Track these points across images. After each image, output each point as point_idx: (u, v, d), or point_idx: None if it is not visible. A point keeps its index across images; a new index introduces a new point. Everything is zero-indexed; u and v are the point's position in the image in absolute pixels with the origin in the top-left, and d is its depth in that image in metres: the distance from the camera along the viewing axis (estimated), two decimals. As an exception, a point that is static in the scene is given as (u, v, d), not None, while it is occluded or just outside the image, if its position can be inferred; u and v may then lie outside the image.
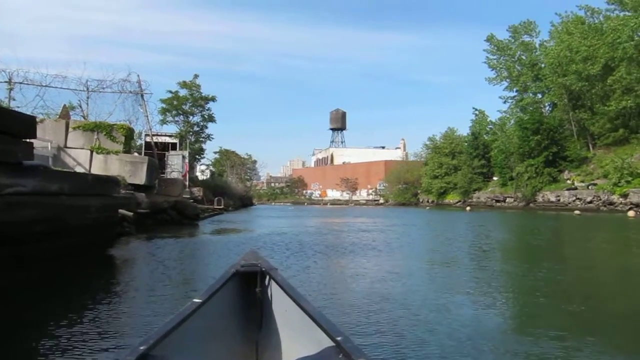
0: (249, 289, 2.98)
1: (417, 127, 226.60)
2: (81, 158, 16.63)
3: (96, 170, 16.15)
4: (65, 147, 16.64)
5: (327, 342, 2.11)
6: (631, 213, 29.57)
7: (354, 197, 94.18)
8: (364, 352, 1.97)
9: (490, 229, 20.42)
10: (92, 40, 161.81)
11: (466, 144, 64.41)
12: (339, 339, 2.04)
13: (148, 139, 24.18)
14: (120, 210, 11.58)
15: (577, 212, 33.14)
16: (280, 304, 2.81)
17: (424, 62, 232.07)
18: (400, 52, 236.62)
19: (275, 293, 2.88)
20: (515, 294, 6.46)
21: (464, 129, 71.33)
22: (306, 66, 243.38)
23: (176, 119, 43.17)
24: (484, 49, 59.14)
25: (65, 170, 11.40)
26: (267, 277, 2.96)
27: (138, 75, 19.57)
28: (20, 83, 17.49)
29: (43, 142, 16.05)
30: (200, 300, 2.50)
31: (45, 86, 17.84)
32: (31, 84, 17.68)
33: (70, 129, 16.80)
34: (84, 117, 18.85)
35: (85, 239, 7.18)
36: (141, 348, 1.89)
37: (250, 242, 12.66)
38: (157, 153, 23.40)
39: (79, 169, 15.89)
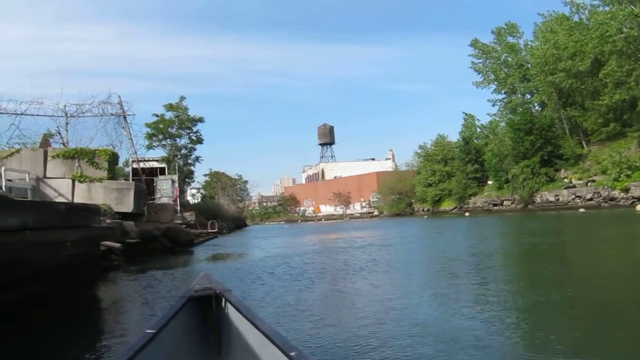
0: (204, 313, 2.96)
1: (404, 137, 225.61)
2: (62, 188, 15.48)
3: (79, 200, 14.98)
4: (45, 177, 15.49)
5: (283, 359, 2.14)
6: (639, 207, 28.73)
7: (348, 211, 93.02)
8: None
9: (504, 234, 19.54)
10: (70, 72, 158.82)
11: (458, 149, 63.61)
12: (292, 354, 2.08)
13: (135, 165, 23.05)
14: (106, 242, 10.48)
15: (581, 210, 32.28)
16: (237, 326, 2.80)
17: (405, 73, 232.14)
18: (380, 65, 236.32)
19: (231, 315, 2.88)
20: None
21: (453, 135, 70.49)
22: (289, 84, 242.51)
23: (163, 142, 42.03)
24: (469, 54, 58.75)
25: (29, 199, 10.23)
26: (222, 300, 2.96)
27: (119, 96, 18.43)
28: (-7, 112, 16.35)
29: (20, 174, 14.98)
30: (153, 331, 2.39)
31: (21, 114, 16.69)
32: (5, 112, 16.54)
33: (49, 158, 15.65)
34: (63, 145, 17.69)
35: (61, 280, 6.05)
36: None
37: (251, 269, 11.60)
38: (145, 179, 22.28)
39: (60, 200, 14.75)
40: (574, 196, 40.72)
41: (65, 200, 14.74)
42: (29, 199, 10.41)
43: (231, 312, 2.88)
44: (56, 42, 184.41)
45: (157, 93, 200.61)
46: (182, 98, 42.86)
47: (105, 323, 6.22)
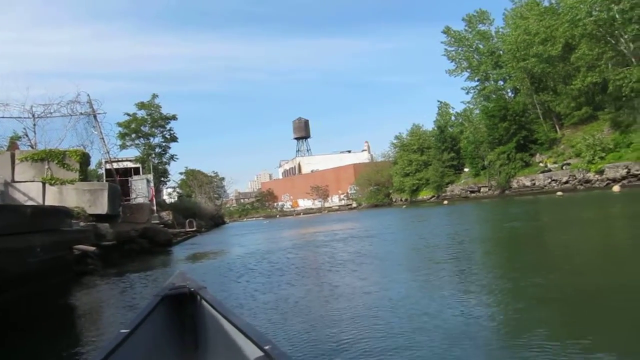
0: (179, 311, 2.95)
1: (379, 129, 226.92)
2: (32, 192, 14.92)
3: (51, 203, 14.46)
4: (13, 181, 14.90)
5: (257, 352, 2.16)
6: (616, 188, 29.08)
7: (326, 204, 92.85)
8: (290, 356, 2.29)
9: (484, 220, 19.53)
10: (39, 74, 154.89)
11: (433, 138, 63.85)
12: (267, 347, 2.10)
13: (108, 165, 22.45)
14: (80, 246, 10.03)
15: (559, 193, 32.61)
16: (212, 322, 2.79)
17: (378, 65, 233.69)
18: (354, 57, 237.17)
19: (207, 312, 2.87)
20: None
21: (428, 125, 70.67)
22: (262, 79, 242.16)
23: (136, 142, 41.13)
24: (441, 41, 58.81)
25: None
26: (197, 297, 2.97)
27: (88, 95, 17.86)
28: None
29: (-13, 179, 14.40)
30: (127, 330, 2.37)
31: (-16, 117, 16.05)
32: (-33, 116, 15.86)
33: (17, 161, 15.06)
34: (31, 147, 17.06)
35: (32, 288, 5.67)
36: None
37: (232, 266, 11.28)
38: (119, 179, 21.71)
39: (30, 204, 14.18)
40: (550, 180, 41.15)
41: (36, 204, 14.19)
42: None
43: (206, 309, 2.89)
44: (28, 45, 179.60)
45: (131, 93, 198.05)
46: (154, 96, 42.01)
47: (78, 330, 5.83)
